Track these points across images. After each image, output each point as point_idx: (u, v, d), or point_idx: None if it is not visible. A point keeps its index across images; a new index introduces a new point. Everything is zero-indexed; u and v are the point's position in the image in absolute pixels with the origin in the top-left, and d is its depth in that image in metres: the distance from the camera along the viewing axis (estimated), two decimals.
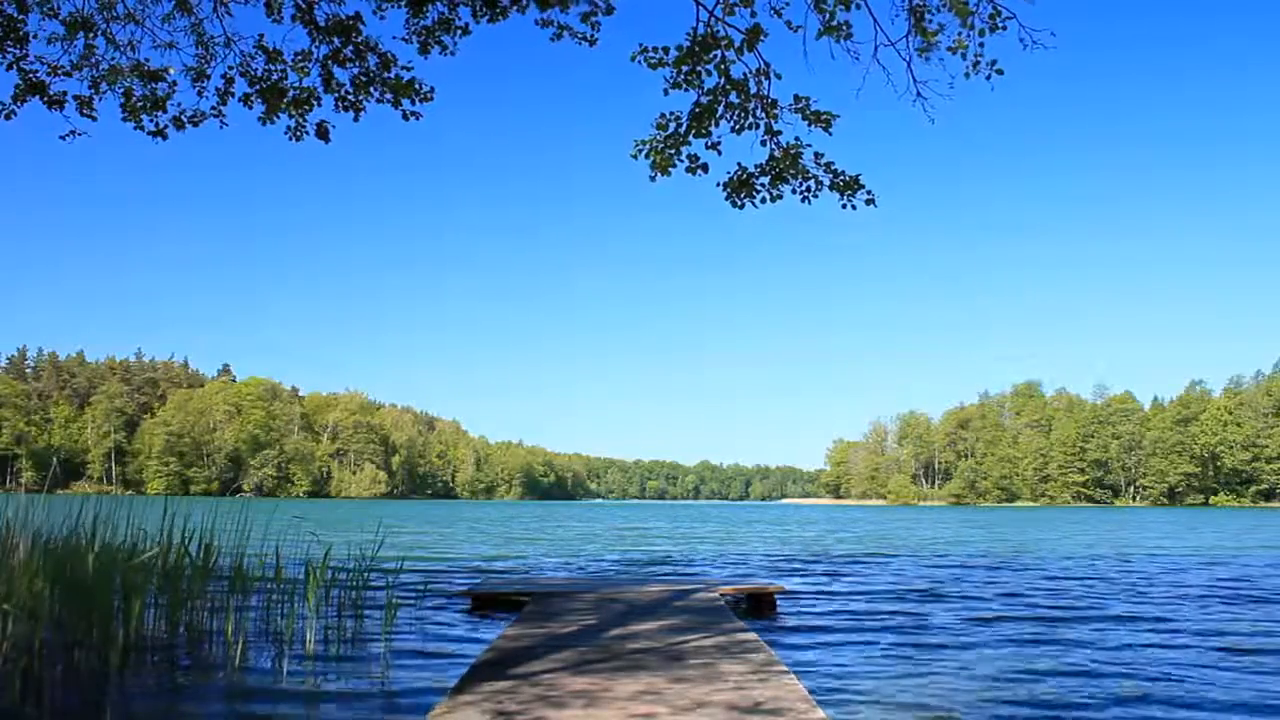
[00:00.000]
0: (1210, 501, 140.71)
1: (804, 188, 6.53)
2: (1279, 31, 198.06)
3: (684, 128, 6.40)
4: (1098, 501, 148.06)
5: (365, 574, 9.94)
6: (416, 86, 6.55)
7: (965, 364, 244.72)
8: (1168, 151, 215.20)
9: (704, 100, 6.37)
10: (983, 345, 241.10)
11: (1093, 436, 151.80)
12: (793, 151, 6.45)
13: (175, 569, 8.18)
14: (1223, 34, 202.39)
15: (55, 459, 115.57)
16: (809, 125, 6.33)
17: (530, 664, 6.06)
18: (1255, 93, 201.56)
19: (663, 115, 6.41)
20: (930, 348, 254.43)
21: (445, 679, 6.51)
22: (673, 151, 6.43)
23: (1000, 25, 5.98)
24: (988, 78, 6.12)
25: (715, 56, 6.23)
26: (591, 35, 6.40)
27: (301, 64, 6.50)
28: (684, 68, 6.24)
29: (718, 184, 6.64)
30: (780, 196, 6.61)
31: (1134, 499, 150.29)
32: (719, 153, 6.51)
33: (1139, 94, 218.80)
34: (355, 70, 6.52)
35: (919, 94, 6.26)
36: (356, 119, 6.63)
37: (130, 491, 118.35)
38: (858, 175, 6.43)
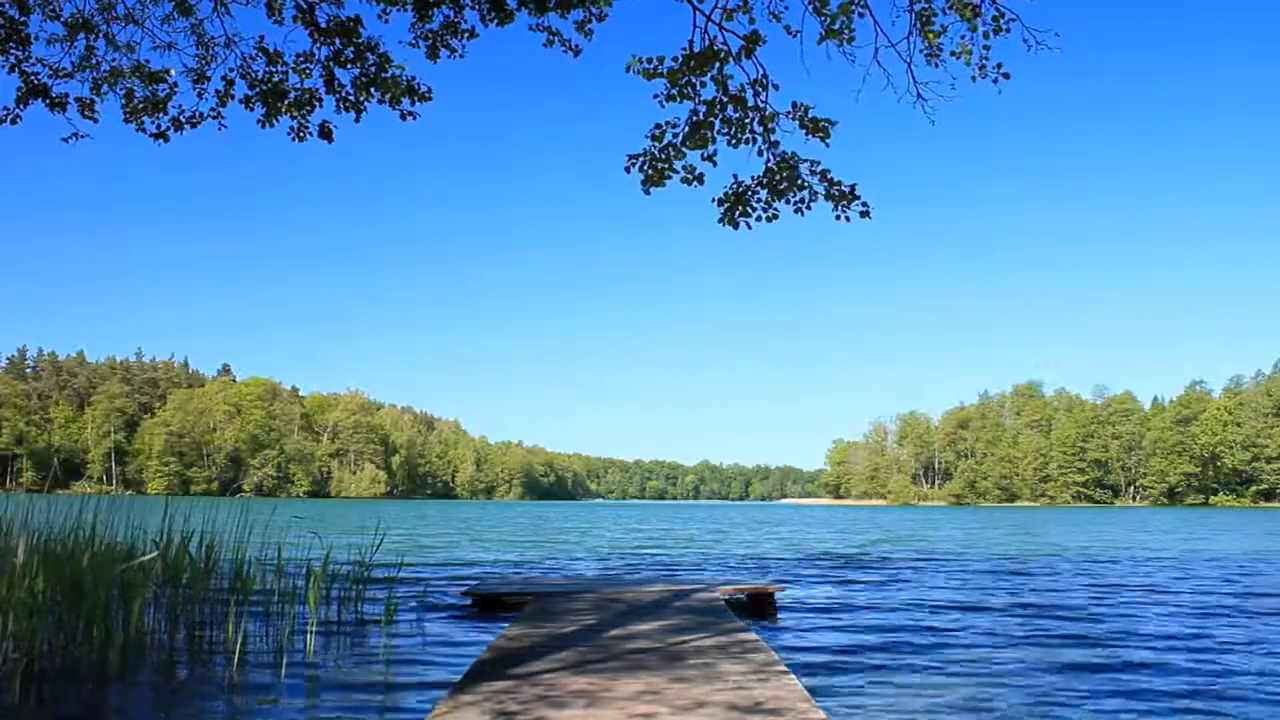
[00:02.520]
0: (1210, 501, 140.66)
1: (798, 199, 6.46)
2: (1278, 31, 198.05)
3: (680, 138, 6.34)
4: (1098, 501, 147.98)
5: (365, 574, 9.95)
6: (415, 87, 6.56)
7: (965, 364, 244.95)
8: (1168, 151, 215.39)
9: (700, 111, 6.32)
10: (983, 345, 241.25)
11: (1093, 436, 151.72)
12: (791, 162, 6.39)
13: (175, 569, 8.19)
14: (1222, 33, 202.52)
15: (55, 459, 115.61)
16: (807, 135, 6.26)
17: (531, 664, 6.06)
18: (1255, 92, 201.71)
19: (658, 125, 6.31)
20: (930, 348, 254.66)
21: (446, 679, 6.52)
22: (665, 164, 6.37)
23: (1004, 27, 5.95)
24: (994, 81, 6.09)
25: (713, 68, 6.19)
26: (577, 46, 6.41)
27: (303, 65, 6.51)
28: (680, 80, 6.18)
29: (713, 200, 6.56)
30: (776, 215, 6.46)
31: (1134, 499, 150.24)
32: (714, 164, 6.42)
33: (1138, 94, 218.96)
34: (356, 71, 6.53)
35: (920, 95, 6.24)
36: (358, 119, 6.64)
37: (130, 491, 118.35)
38: (853, 186, 6.34)
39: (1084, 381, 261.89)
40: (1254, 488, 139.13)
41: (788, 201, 6.47)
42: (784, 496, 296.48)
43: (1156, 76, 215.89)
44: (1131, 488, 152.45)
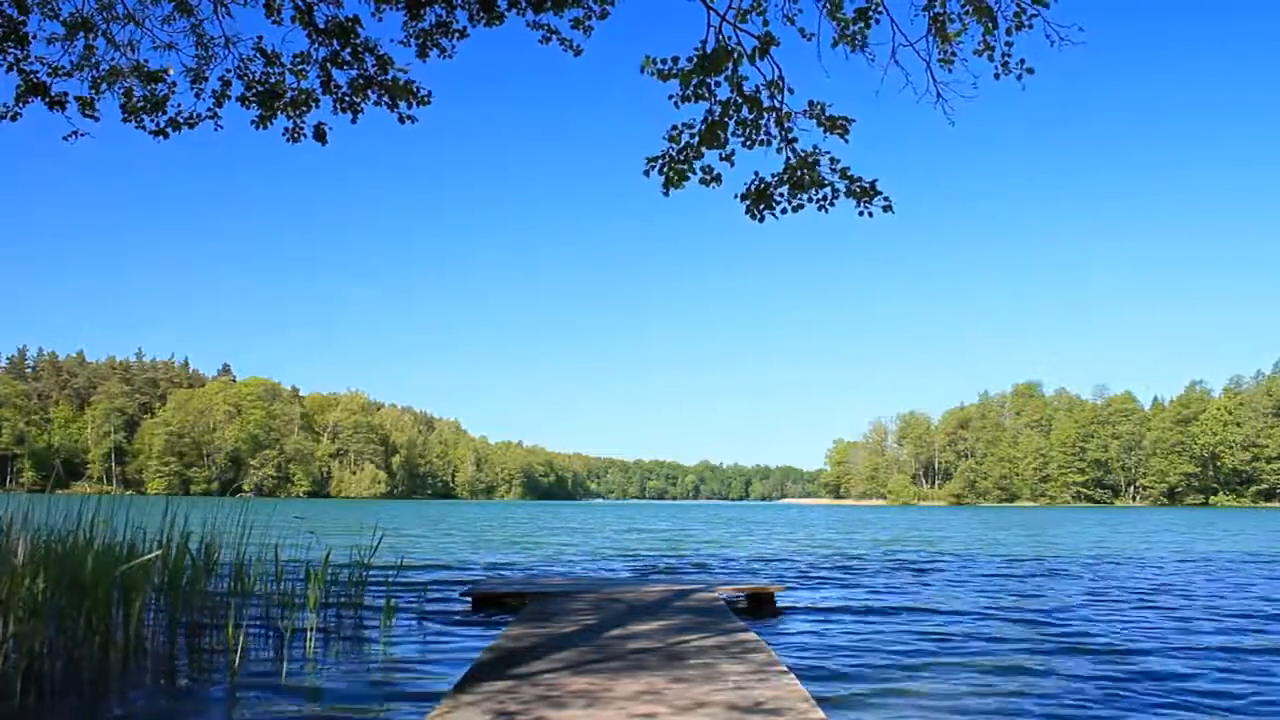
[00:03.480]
0: (1210, 501, 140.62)
1: (820, 196, 6.42)
2: (1278, 31, 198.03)
3: (696, 139, 6.32)
4: (1098, 502, 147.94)
5: (365, 574, 9.94)
6: (414, 89, 6.55)
7: (965, 364, 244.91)
8: (1168, 151, 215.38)
9: (715, 112, 6.30)
10: (983, 345, 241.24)
11: (1093, 436, 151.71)
12: (810, 159, 6.35)
13: (175, 569, 8.18)
14: (1222, 33, 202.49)
15: (55, 459, 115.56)
16: (825, 132, 6.23)
17: (530, 664, 6.06)
18: (1255, 92, 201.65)
19: (674, 127, 6.29)
20: (930, 348, 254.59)
21: (445, 679, 6.51)
22: (685, 165, 6.35)
23: (1026, 23, 5.93)
24: (1019, 78, 6.05)
25: (727, 69, 6.16)
26: (577, 45, 6.40)
27: (300, 66, 6.50)
28: (694, 80, 6.15)
29: (735, 195, 6.54)
30: (801, 206, 6.46)
31: (1134, 499, 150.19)
32: (732, 164, 6.39)
33: (1137, 94, 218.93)
34: (353, 72, 6.53)
35: (939, 95, 6.21)
36: (354, 120, 6.64)
37: (130, 491, 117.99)
38: (874, 181, 6.30)
39: (1084, 381, 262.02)
40: (1254, 488, 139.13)
41: (810, 199, 6.44)
42: (784, 496, 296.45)
43: (1156, 75, 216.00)
44: (1131, 488, 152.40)
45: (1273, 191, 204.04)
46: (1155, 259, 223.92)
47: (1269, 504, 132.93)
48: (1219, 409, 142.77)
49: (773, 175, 6.47)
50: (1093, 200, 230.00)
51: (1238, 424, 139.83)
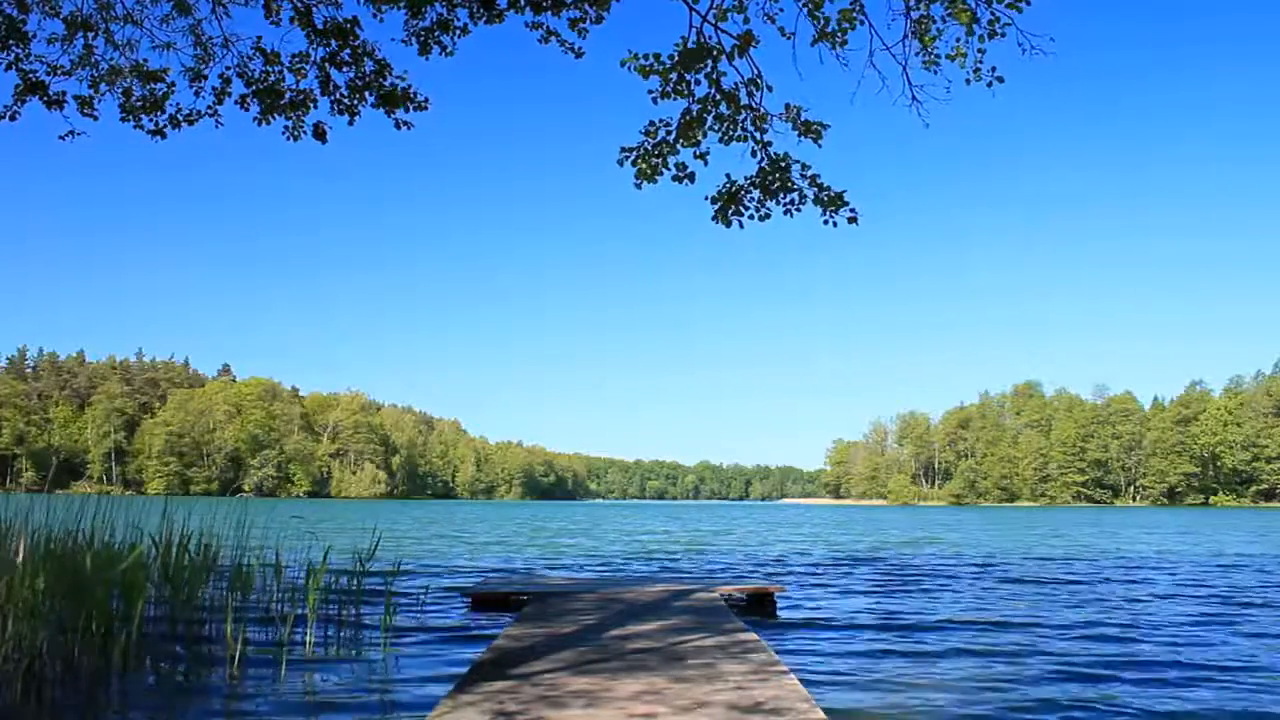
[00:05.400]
0: (1210, 501, 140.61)
1: (788, 200, 6.48)
2: (1277, 31, 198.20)
3: (673, 135, 6.36)
4: (1098, 501, 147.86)
5: (364, 574, 9.94)
6: (411, 95, 6.55)
7: (965, 364, 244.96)
8: (1167, 151, 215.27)
9: (694, 109, 6.33)
10: (983, 345, 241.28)
11: (1093, 436, 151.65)
12: (783, 164, 6.40)
13: (175, 569, 8.19)
14: (1222, 33, 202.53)
15: (55, 459, 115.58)
16: (799, 136, 6.28)
17: (530, 664, 6.06)
18: (1254, 92, 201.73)
19: (651, 123, 6.34)
20: (930, 348, 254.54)
21: (445, 679, 6.51)
22: (659, 160, 6.40)
23: (999, 31, 5.95)
24: (989, 85, 6.09)
25: (706, 65, 6.20)
26: (579, 48, 6.41)
27: (299, 66, 6.50)
28: (674, 76, 6.19)
29: (706, 197, 6.59)
30: (769, 215, 6.51)
31: (1134, 499, 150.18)
32: (705, 162, 6.45)
33: (1137, 93, 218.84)
34: (351, 74, 6.52)
35: (915, 98, 6.24)
36: (351, 123, 6.64)
37: (130, 491, 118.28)
38: (842, 192, 6.35)
39: (1084, 381, 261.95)
40: (1254, 488, 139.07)
41: (778, 202, 6.49)
42: (784, 496, 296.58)
43: (1155, 76, 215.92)
44: (1131, 488, 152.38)
45: (1272, 191, 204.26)
46: (1155, 259, 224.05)
47: (1269, 504, 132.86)
48: (1219, 409, 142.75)
49: (745, 178, 6.51)
50: (1093, 200, 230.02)
51: (1238, 424, 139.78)
